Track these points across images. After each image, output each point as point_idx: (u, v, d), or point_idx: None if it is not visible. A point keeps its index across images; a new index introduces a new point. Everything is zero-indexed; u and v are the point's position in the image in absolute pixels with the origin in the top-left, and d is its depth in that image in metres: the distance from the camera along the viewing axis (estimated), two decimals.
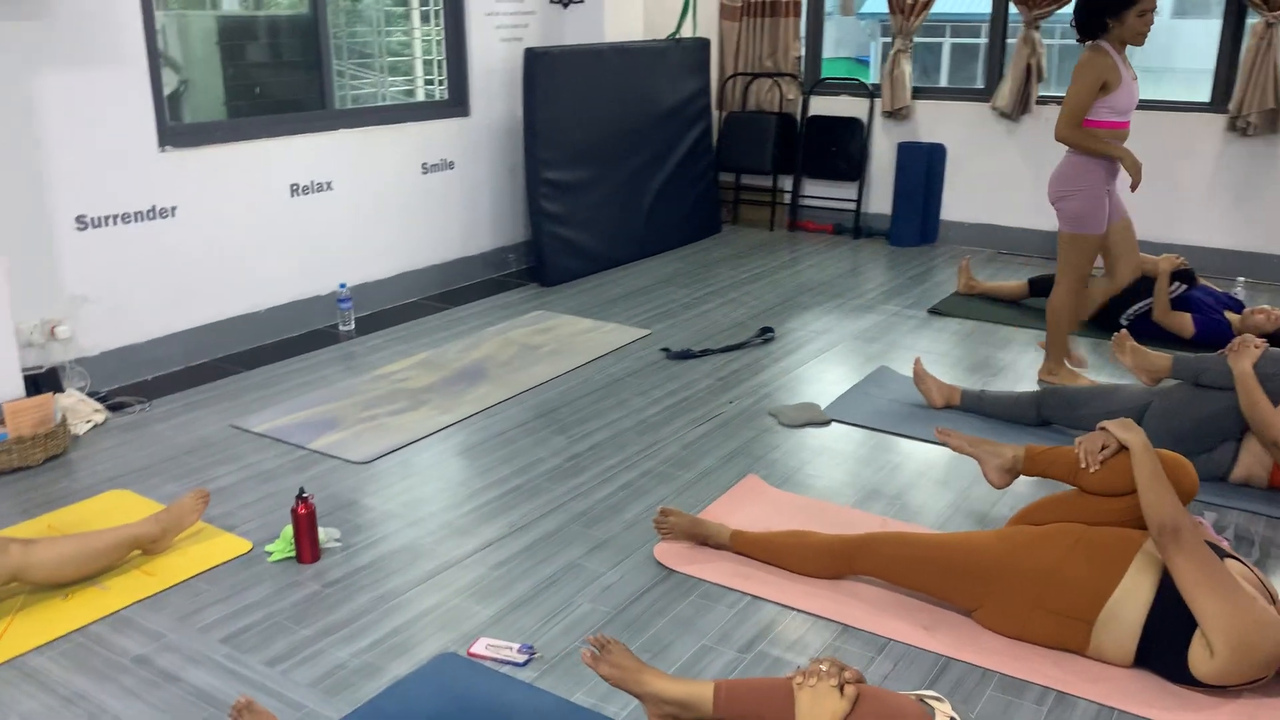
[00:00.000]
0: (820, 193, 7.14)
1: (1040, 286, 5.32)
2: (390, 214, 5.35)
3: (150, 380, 4.34)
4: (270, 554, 2.96)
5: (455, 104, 5.69)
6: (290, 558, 2.94)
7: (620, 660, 2.04)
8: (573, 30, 6.16)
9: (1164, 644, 2.34)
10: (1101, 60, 3.88)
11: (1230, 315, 4.75)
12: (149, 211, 4.28)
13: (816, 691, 1.77)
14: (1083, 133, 3.96)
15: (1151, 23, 3.86)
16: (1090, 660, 2.47)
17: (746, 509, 3.20)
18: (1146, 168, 6.03)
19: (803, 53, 7.07)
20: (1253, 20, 5.62)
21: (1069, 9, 6.00)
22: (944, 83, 14.45)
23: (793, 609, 2.70)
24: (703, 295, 5.61)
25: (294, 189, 4.85)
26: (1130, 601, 2.38)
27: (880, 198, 6.94)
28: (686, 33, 6.70)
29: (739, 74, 7.20)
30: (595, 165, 6.00)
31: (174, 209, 4.37)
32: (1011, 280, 5.55)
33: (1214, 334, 4.66)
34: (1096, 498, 2.56)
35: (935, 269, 6.17)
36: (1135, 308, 4.86)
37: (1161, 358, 3.52)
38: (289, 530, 2.97)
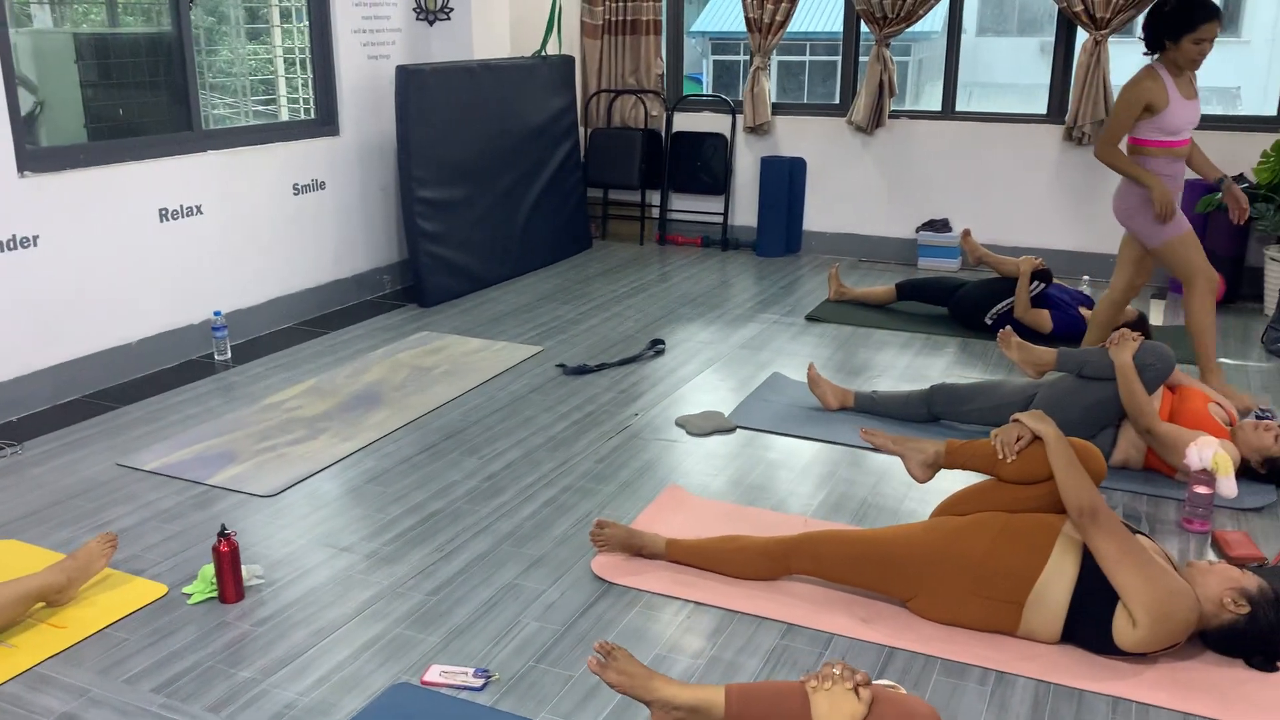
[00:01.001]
0: (687, 206, 7.29)
1: (907, 290, 5.59)
2: (262, 238, 5.16)
3: (17, 421, 4.05)
4: (190, 596, 2.81)
5: (324, 123, 5.54)
6: (212, 598, 2.81)
7: (627, 667, 2.04)
8: (439, 47, 6.10)
9: (1089, 619, 2.51)
10: (1148, 83, 3.96)
11: (1084, 311, 5.11)
12: (9, 241, 4.00)
13: (833, 695, 1.82)
14: (1115, 153, 4.04)
15: (1207, 51, 3.92)
16: (1021, 639, 2.62)
17: (672, 518, 3.25)
18: (991, 177, 6.44)
19: (664, 70, 7.21)
20: (1083, 38, 6.06)
21: (918, 27, 6.37)
22: (806, 98, 14.99)
23: (736, 612, 2.76)
24: (586, 310, 5.64)
25: (162, 214, 4.62)
26: (1056, 582, 2.54)
27: (745, 210, 7.13)
28: (552, 50, 6.73)
29: (602, 91, 7.28)
30: (469, 183, 5.95)
31: (35, 238, 4.10)
32: (879, 286, 5.80)
33: (1070, 329, 5.00)
34: (1014, 486, 2.72)
35: (803, 278, 6.38)
36: (998, 306, 5.16)
37: (1046, 352, 3.76)
38: (208, 570, 2.84)
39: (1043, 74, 6.39)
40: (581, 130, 7.30)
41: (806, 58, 11.45)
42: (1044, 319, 5.03)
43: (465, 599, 2.83)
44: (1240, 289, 5.85)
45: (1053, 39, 6.40)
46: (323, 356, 4.87)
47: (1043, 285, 5.12)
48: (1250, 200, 5.58)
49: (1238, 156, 5.89)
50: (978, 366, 4.75)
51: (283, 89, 5.66)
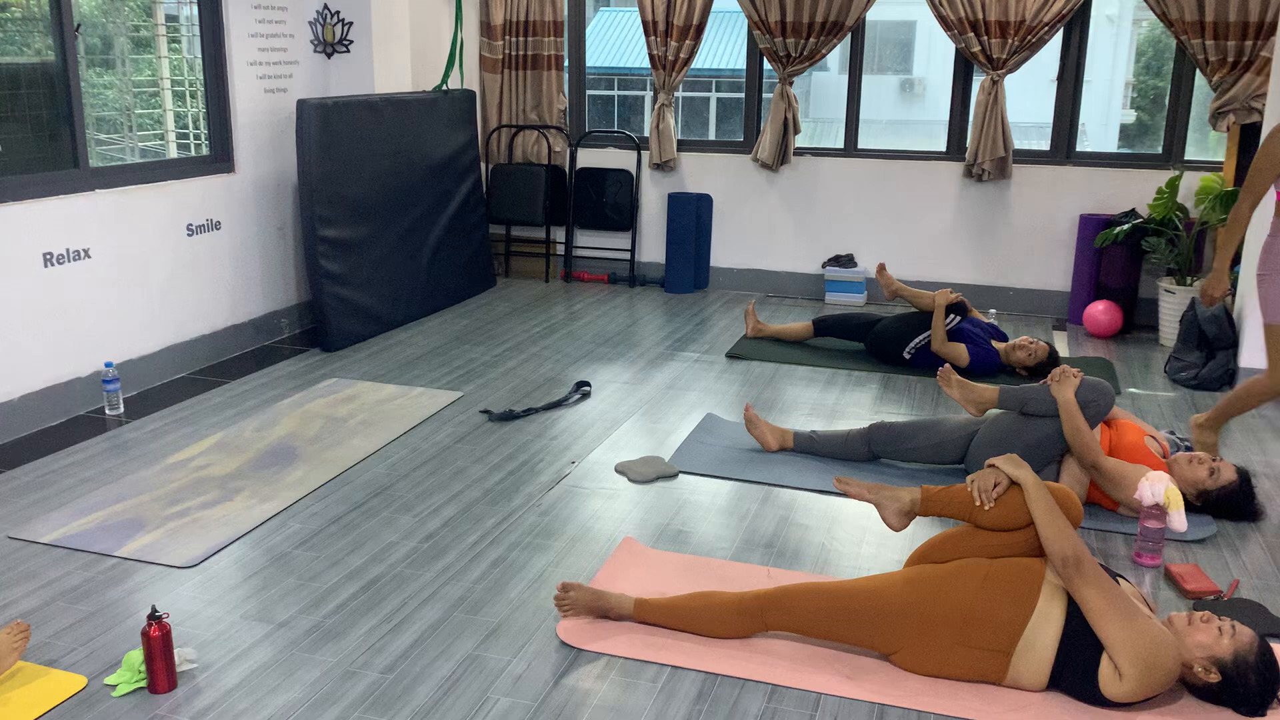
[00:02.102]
0: (594, 243, 7.18)
1: (824, 327, 5.60)
2: (155, 282, 4.82)
3: None
4: (115, 687, 2.52)
5: (219, 160, 5.23)
6: (140, 688, 2.53)
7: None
8: (338, 81, 5.85)
9: (1075, 667, 2.48)
10: None
11: (996, 344, 5.20)
12: None
13: None
14: (1243, 211, 3.66)
15: None
16: (1007, 689, 2.57)
17: (631, 574, 3.11)
18: (897, 213, 6.54)
19: (567, 105, 7.11)
20: (980, 78, 6.24)
21: (818, 66, 6.45)
22: (712, 135, 14.98)
23: (717, 674, 2.63)
24: (502, 352, 5.46)
25: (47, 258, 4.25)
26: (1043, 629, 2.50)
27: (652, 247, 7.07)
28: (453, 84, 6.56)
29: (503, 126, 7.13)
30: (372, 221, 5.71)
31: None
32: (795, 322, 5.79)
33: (986, 363, 5.08)
34: (991, 532, 2.68)
35: (714, 314, 6.34)
36: (916, 341, 5.21)
37: (987, 389, 3.77)
38: (133, 656, 2.56)
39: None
40: (483, 166, 7.12)
41: (712, 94, 11.57)
42: (960, 353, 5.10)
43: (424, 675, 2.62)
44: (1134, 319, 6.06)
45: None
46: (225, 409, 4.55)
47: (958, 319, 5.19)
48: (1143, 234, 5.81)
49: (1128, 192, 6.13)
50: (903, 402, 4.77)
51: (171, 124, 5.33)
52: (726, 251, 6.93)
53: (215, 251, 5.16)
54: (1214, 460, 3.57)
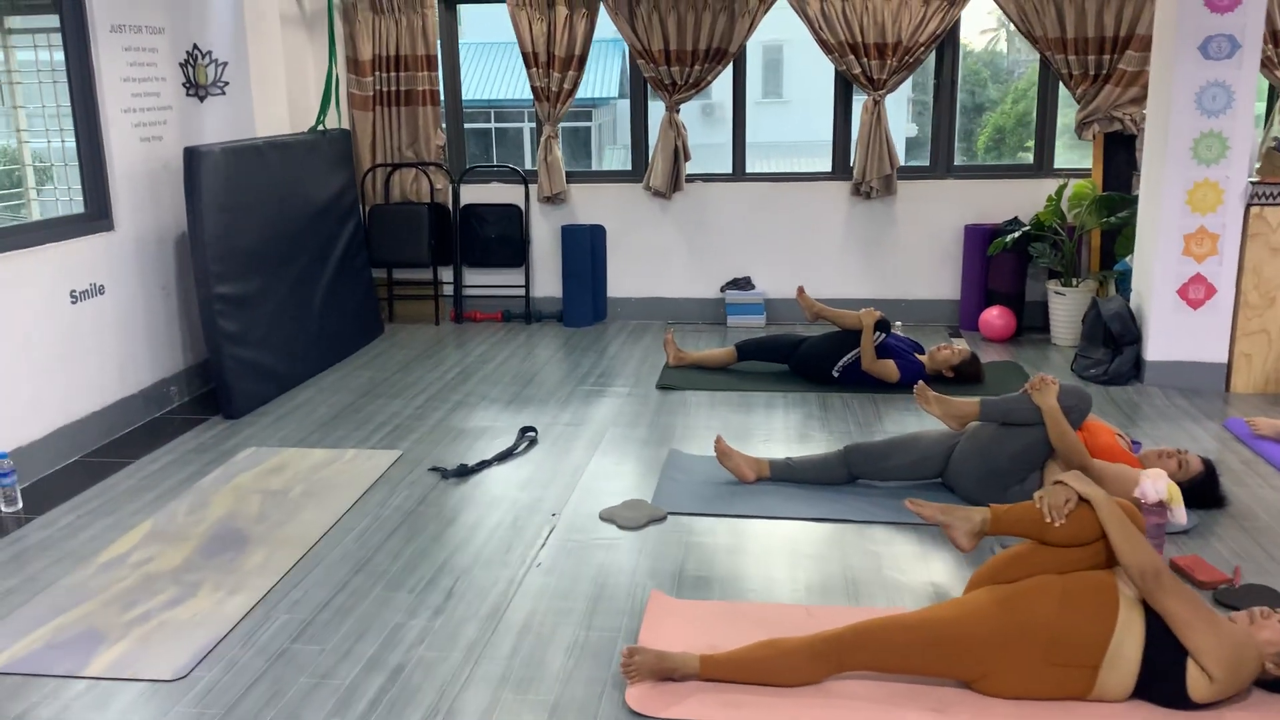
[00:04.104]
0: (484, 281, 6.94)
1: (748, 351, 5.59)
2: (38, 358, 4.29)
3: None
4: None
5: (97, 216, 4.73)
6: None
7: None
8: (214, 125, 5.42)
9: (1162, 675, 2.50)
10: None
11: (919, 356, 5.32)
12: None
13: None
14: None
15: None
16: (1092, 703, 2.58)
17: (676, 630, 2.95)
18: (790, 234, 6.63)
19: (445, 141, 6.86)
20: (861, 98, 6.41)
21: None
22: (594, 164, 14.81)
23: None
24: (423, 403, 5.16)
25: None
26: (1128, 639, 2.52)
27: (547, 281, 6.90)
28: (330, 123, 6.20)
29: (378, 165, 6.80)
30: (264, 274, 5.31)
31: None
32: (717, 349, 5.75)
33: (914, 375, 5.18)
34: (1061, 549, 2.68)
35: (624, 346, 6.23)
36: (844, 359, 5.26)
37: (968, 403, 3.83)
38: None
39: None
40: (361, 208, 6.77)
41: (593, 122, 11.49)
42: (891, 369, 5.18)
43: None
44: (1024, 322, 6.35)
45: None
46: (141, 493, 4.09)
47: (883, 335, 5.28)
48: (1030, 240, 6.10)
49: (1006, 202, 6.42)
50: (851, 419, 4.79)
51: (31, 179, 4.79)
52: (624, 281, 6.84)
53: (100, 318, 4.66)
54: (1180, 453, 3.74)
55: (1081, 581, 2.60)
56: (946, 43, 6.38)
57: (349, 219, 6.28)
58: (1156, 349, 5.17)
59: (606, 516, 3.76)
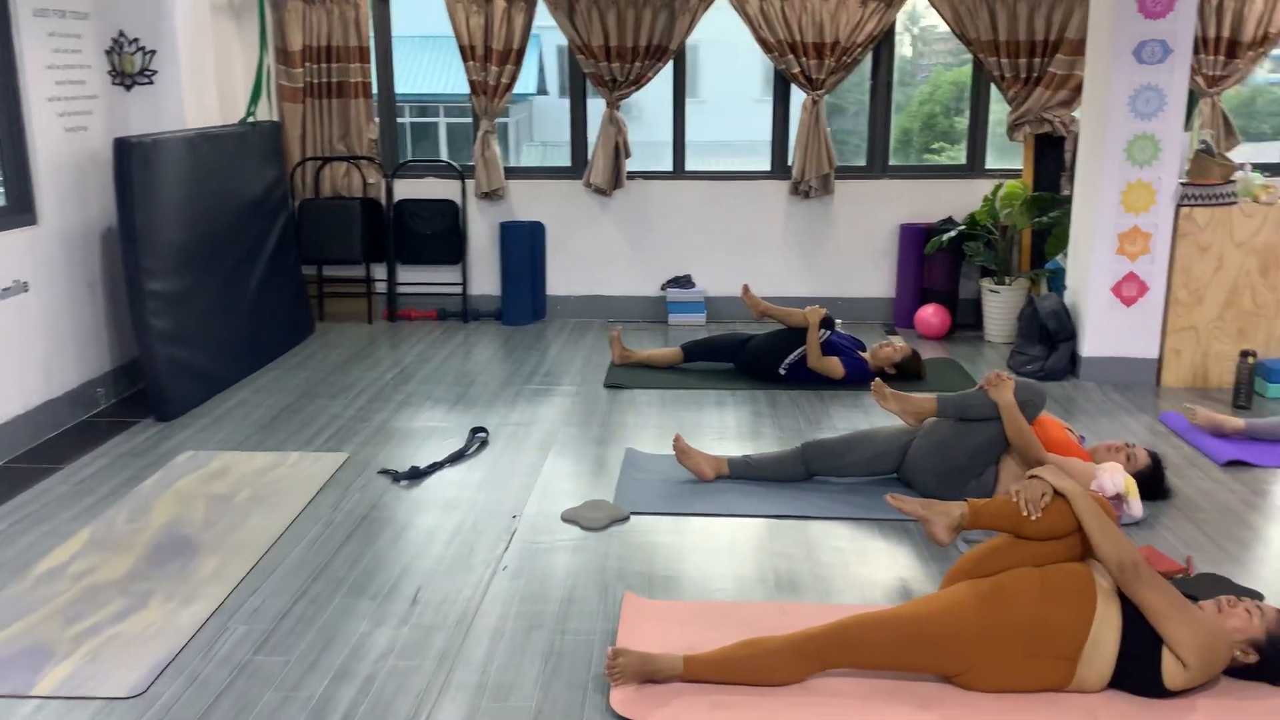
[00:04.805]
0: (419, 278, 6.80)
1: (694, 351, 5.58)
2: None
3: None
4: None
5: (19, 210, 4.49)
6: None
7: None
8: (140, 115, 5.20)
9: (1138, 664, 2.56)
10: None
11: (861, 354, 5.38)
12: None
13: None
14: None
15: None
16: (1071, 694, 2.62)
17: (653, 631, 2.91)
18: (729, 232, 6.65)
19: (378, 135, 6.70)
20: (802, 97, 6.45)
21: (645, 90, 6.44)
22: (511, 161, 14.46)
23: None
24: (364, 404, 5.03)
25: None
26: (1105, 630, 2.57)
27: (483, 279, 6.79)
28: (260, 115, 6.01)
29: (308, 159, 6.61)
30: (196, 270, 5.12)
31: None
32: (663, 348, 5.72)
33: (858, 372, 5.24)
34: (1036, 542, 2.72)
35: (565, 344, 6.17)
36: (790, 357, 5.28)
37: (926, 399, 3.87)
38: None
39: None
40: (291, 202, 6.57)
41: (510, 119, 11.33)
42: (836, 366, 5.23)
43: None
44: (957, 319, 6.46)
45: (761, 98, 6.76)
46: (75, 500, 3.90)
47: (828, 333, 5.31)
48: (965, 239, 6.21)
49: (939, 202, 6.53)
50: (800, 417, 4.81)
51: None
52: (563, 279, 6.77)
53: (25, 317, 4.43)
54: (1129, 446, 3.84)
55: (1059, 574, 2.64)
56: (883, 44, 6.46)
57: (279, 214, 6.09)
58: (1092, 345, 5.31)
59: (569, 517, 3.71)
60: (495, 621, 3.01)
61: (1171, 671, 2.53)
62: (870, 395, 4.08)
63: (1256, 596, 2.77)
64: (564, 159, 6.78)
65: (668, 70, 6.55)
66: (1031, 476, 2.78)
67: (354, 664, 2.79)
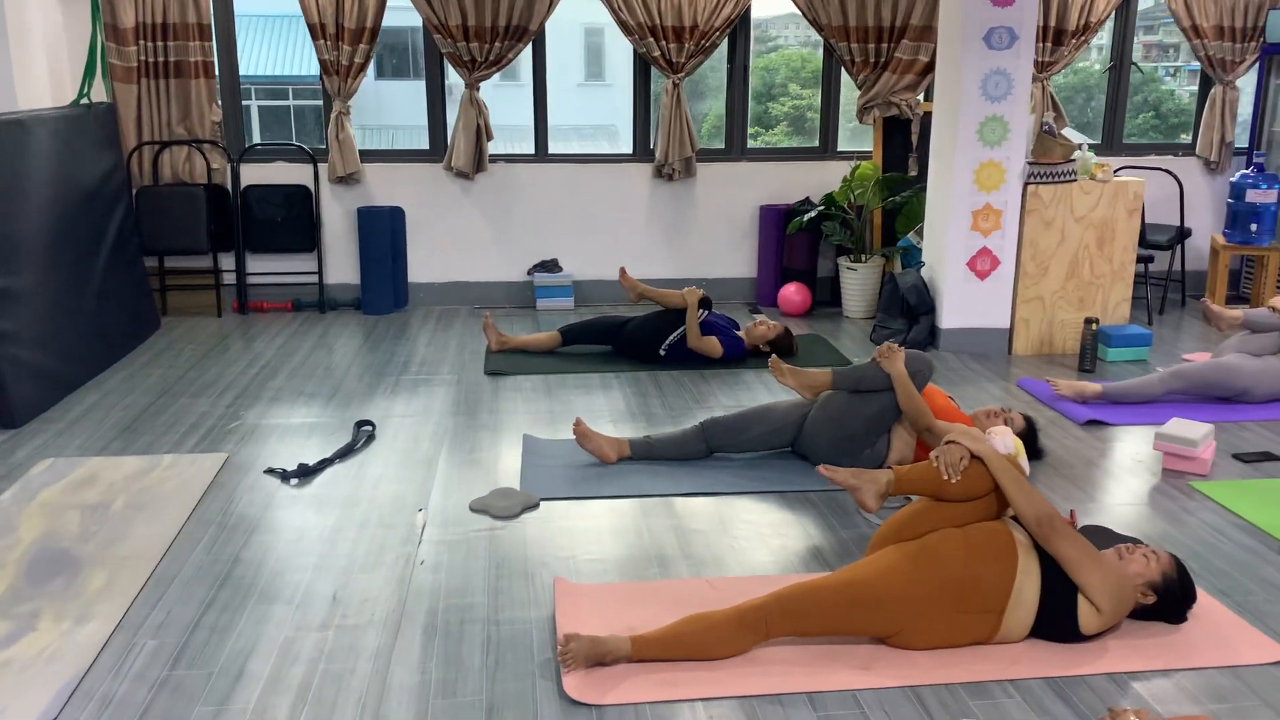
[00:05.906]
0: (271, 268, 6.49)
1: (572, 335, 5.56)
2: None
3: None
4: None
5: None
6: None
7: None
8: None
9: (1056, 612, 2.73)
10: None
11: (737, 333, 5.49)
12: None
13: None
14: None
15: None
16: (996, 645, 2.77)
17: (591, 614, 2.90)
18: (592, 215, 6.65)
19: (222, 117, 6.34)
20: (663, 80, 6.49)
21: (504, 72, 6.35)
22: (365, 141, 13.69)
23: (749, 697, 2.55)
24: (233, 400, 4.78)
25: None
26: (1027, 583, 2.73)
27: (340, 266, 6.55)
28: (95, 96, 5.58)
29: (145, 143, 6.20)
30: (35, 266, 4.73)
31: None
32: (541, 333, 5.67)
33: (735, 351, 5.35)
34: (954, 504, 2.85)
35: (434, 333, 6.03)
36: (670, 338, 5.34)
37: (821, 374, 3.98)
38: None
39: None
40: (130, 190, 6.14)
41: (289, 102, 10.87)
42: (714, 345, 5.31)
43: None
44: (816, 297, 6.68)
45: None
46: None
47: (705, 313, 5.40)
48: (823, 219, 6.42)
49: (796, 183, 6.72)
50: (687, 395, 4.87)
51: None
52: (425, 266, 6.61)
53: None
54: (1005, 411, 4.07)
55: (981, 533, 2.78)
56: (740, 28, 6.58)
57: (119, 203, 5.70)
58: (950, 318, 5.59)
59: (478, 507, 3.64)
60: (424, 618, 2.92)
61: (1087, 617, 2.71)
62: (748, 372, 4.16)
63: (1136, 544, 2.99)
64: (419, 142, 6.60)
65: (538, 52, 6.48)
66: (949, 442, 2.92)
67: (285, 671, 2.66)
